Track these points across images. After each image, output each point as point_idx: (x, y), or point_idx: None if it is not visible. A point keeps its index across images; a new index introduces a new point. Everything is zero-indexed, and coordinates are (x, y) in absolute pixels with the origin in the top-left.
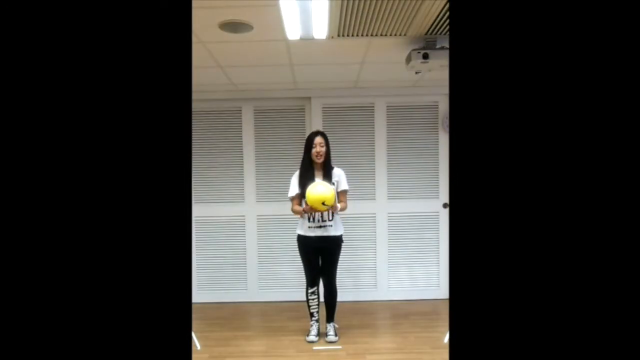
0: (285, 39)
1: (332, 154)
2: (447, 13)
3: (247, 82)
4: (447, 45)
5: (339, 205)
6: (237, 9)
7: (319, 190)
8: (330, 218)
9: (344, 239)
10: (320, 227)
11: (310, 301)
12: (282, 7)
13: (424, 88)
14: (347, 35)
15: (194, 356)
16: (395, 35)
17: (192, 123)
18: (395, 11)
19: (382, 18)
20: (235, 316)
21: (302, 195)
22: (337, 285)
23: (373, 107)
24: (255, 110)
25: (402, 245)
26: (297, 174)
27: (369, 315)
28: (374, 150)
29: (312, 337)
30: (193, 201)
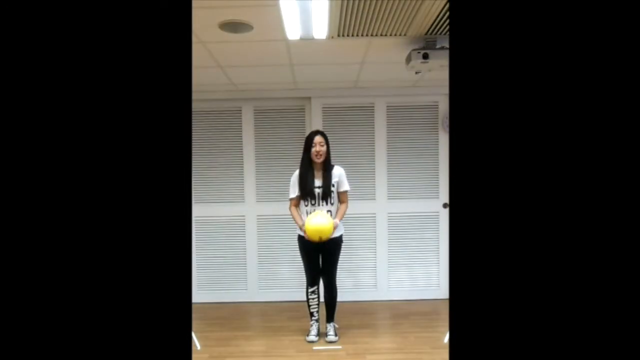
0: (285, 39)
1: (332, 154)
2: (447, 13)
3: (247, 82)
4: (447, 45)
5: (338, 222)
6: (237, 9)
7: (318, 222)
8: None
9: (343, 238)
10: None
11: (310, 300)
12: (282, 7)
13: (424, 88)
14: (347, 35)
15: (194, 356)
16: (395, 35)
17: (192, 123)
18: (395, 11)
19: (382, 18)
20: (235, 316)
21: (301, 197)
22: (337, 285)
23: (373, 107)
24: (255, 110)
25: (402, 245)
26: (296, 173)
27: (369, 315)
28: (374, 150)
29: (312, 337)
30: (193, 201)
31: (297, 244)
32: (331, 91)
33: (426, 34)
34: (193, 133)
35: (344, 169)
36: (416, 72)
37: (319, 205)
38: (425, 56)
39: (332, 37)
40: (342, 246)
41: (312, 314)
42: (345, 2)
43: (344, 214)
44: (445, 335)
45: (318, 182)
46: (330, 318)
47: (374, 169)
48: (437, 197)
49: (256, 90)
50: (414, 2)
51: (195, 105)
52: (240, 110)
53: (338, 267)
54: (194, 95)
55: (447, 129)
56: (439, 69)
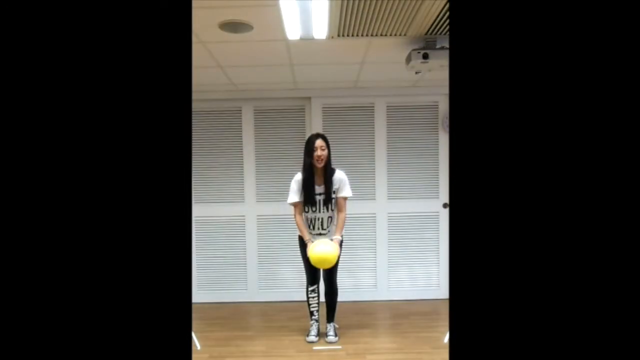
0: (285, 39)
1: (333, 154)
2: (447, 13)
3: (247, 82)
4: (447, 45)
5: (340, 239)
6: (237, 9)
7: (322, 250)
8: (328, 225)
9: (344, 239)
10: (320, 234)
11: (311, 299)
12: (282, 7)
13: (424, 88)
14: (347, 35)
15: (194, 356)
16: (395, 35)
17: (192, 123)
18: (395, 11)
19: (382, 18)
20: (235, 316)
21: (304, 204)
22: (337, 285)
23: (373, 107)
24: (255, 110)
25: (402, 245)
26: (296, 178)
27: (369, 315)
28: (374, 150)
29: (312, 337)
30: (193, 201)
31: (297, 243)
32: (331, 91)
33: (426, 34)
34: (193, 133)
35: (345, 171)
36: (416, 72)
37: (319, 211)
38: (425, 56)
39: (332, 37)
40: (342, 246)
41: (312, 314)
42: (345, 2)
43: (343, 226)
44: (445, 335)
45: (319, 189)
46: (330, 318)
47: (374, 169)
48: (437, 197)
49: (256, 90)
50: (414, 2)
51: (195, 105)
52: (240, 110)
53: (338, 267)
54: (194, 95)
55: (447, 129)
56: (439, 69)
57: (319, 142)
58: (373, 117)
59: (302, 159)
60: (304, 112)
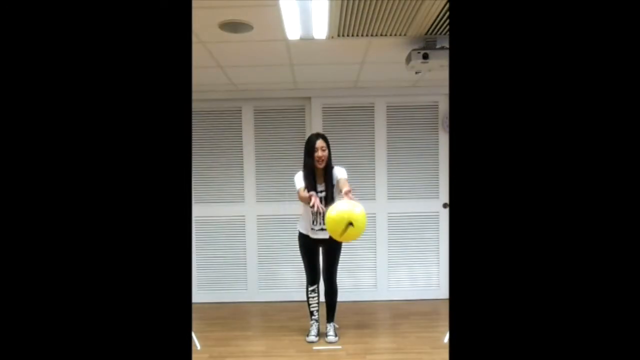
0: (285, 39)
1: (333, 154)
2: (447, 13)
3: (247, 82)
4: (447, 45)
5: (350, 194)
6: (237, 9)
7: (342, 208)
8: None
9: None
10: (322, 229)
11: (311, 299)
12: (282, 7)
13: (424, 88)
14: (347, 35)
15: (194, 356)
16: (395, 35)
17: (192, 123)
18: (395, 11)
19: (382, 18)
20: (235, 316)
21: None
22: (337, 285)
23: (373, 107)
24: (255, 110)
25: (402, 245)
26: (299, 173)
27: (369, 315)
28: (374, 150)
29: (312, 338)
30: (193, 201)
31: (297, 243)
32: (331, 91)
33: (426, 34)
34: (193, 133)
35: (345, 169)
36: (416, 72)
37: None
38: (425, 56)
39: (332, 37)
40: (342, 246)
41: (312, 314)
42: (345, 2)
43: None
44: (445, 335)
45: (320, 187)
46: (330, 318)
47: (374, 169)
48: (437, 197)
49: (256, 90)
50: (414, 2)
51: (195, 105)
52: (240, 110)
53: (338, 267)
54: (194, 95)
55: (447, 129)
56: (439, 69)
57: (319, 143)
58: (373, 117)
59: (302, 159)
60: (304, 112)
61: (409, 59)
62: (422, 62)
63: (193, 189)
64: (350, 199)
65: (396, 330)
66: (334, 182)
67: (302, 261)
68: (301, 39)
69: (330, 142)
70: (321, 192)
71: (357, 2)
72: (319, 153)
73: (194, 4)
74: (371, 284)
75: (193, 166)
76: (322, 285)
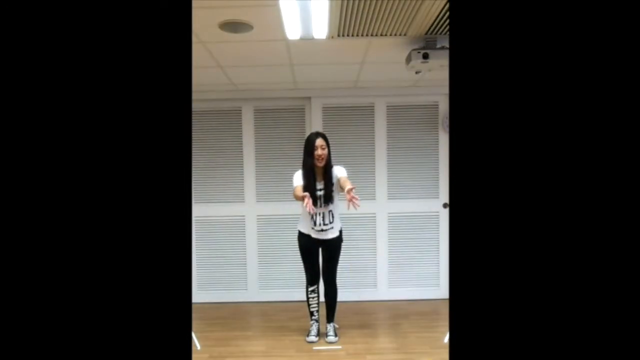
0: (285, 39)
1: (333, 154)
2: (447, 13)
3: (247, 82)
4: (447, 45)
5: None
6: (237, 9)
7: None
8: (331, 220)
9: (343, 237)
10: (323, 230)
11: (310, 299)
12: (282, 7)
13: (424, 88)
14: (347, 35)
15: (194, 356)
16: (395, 35)
17: (192, 123)
18: (395, 11)
19: (382, 18)
20: (235, 316)
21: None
22: (337, 285)
23: (373, 107)
24: (255, 110)
25: (402, 245)
26: (298, 172)
27: (369, 315)
28: (374, 150)
29: (312, 338)
30: (193, 201)
31: (297, 243)
32: (331, 91)
33: (426, 34)
34: (193, 133)
35: (344, 168)
36: (416, 72)
37: (320, 206)
38: (425, 56)
39: (332, 37)
40: (342, 245)
41: (312, 314)
42: (345, 2)
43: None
44: (445, 335)
45: (320, 185)
46: (330, 318)
47: (374, 169)
48: (437, 197)
49: (256, 90)
50: (414, 2)
51: (195, 105)
52: (240, 110)
53: (338, 267)
54: (194, 95)
55: (447, 129)
56: (439, 69)
57: (319, 142)
58: (373, 117)
59: (302, 159)
60: (304, 112)
61: (409, 59)
62: (422, 62)
63: (193, 189)
64: (353, 196)
65: (396, 330)
66: (334, 180)
67: (302, 261)
68: (301, 39)
69: (330, 142)
70: (320, 190)
71: (357, 2)
72: (319, 151)
73: (194, 4)
74: (371, 283)
75: (193, 166)
76: (322, 285)
